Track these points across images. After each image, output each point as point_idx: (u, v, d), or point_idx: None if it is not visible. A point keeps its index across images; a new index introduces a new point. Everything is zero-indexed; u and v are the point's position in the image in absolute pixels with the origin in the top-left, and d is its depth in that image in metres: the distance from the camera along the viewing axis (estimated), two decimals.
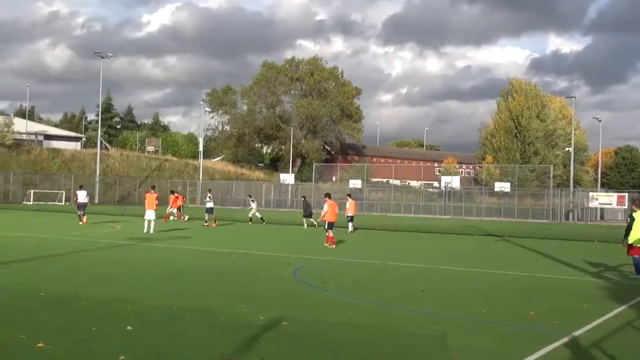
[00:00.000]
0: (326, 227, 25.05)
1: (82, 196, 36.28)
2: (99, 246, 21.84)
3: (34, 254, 18.41)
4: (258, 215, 40.77)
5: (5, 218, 38.62)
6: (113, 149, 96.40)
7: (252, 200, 42.12)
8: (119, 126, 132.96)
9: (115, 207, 55.97)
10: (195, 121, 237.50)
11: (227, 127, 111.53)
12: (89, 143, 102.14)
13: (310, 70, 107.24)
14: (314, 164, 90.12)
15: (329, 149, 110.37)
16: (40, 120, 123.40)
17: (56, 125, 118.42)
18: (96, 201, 67.85)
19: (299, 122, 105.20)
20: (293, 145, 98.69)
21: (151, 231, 28.38)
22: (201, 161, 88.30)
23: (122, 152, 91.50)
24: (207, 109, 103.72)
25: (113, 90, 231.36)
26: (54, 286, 12.71)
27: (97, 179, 73.41)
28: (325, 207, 25.34)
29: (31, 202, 64.56)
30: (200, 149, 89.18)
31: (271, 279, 15.06)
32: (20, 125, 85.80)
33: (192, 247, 22.55)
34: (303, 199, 40.22)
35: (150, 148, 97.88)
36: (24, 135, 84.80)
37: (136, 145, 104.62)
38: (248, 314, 10.47)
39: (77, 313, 10.23)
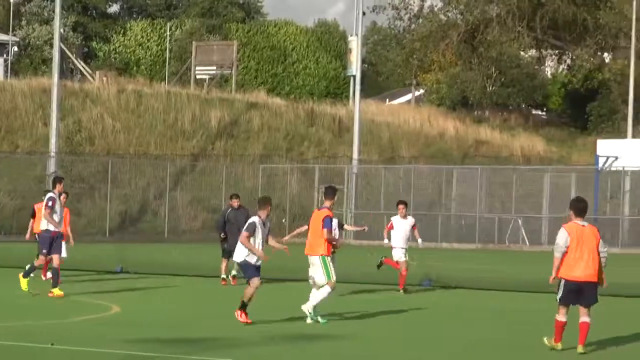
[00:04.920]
0: None
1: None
2: None
3: None
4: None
5: None
6: (97, 75, 42.96)
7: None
8: (109, 19, 63.16)
9: None
10: None
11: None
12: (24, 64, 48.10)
13: None
14: None
15: None
16: None
17: None
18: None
19: None
20: None
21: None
22: (357, 110, 34.96)
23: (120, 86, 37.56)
24: None
25: None
26: None
27: (52, 164, 23.52)
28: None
29: None
30: (356, 72, 35.22)
31: None
32: None
33: None
34: None
35: (200, 73, 43.75)
36: None
37: (157, 66, 52.42)
38: None
39: None
